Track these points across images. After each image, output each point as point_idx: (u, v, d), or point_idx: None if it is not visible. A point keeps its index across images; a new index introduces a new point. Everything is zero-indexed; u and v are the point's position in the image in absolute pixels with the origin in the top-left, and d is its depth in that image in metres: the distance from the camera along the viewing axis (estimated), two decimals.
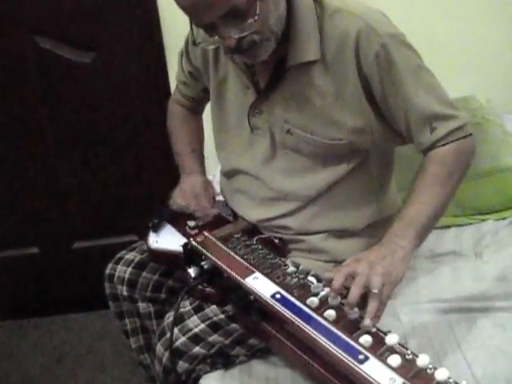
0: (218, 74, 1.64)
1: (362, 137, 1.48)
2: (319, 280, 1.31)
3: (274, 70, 1.50)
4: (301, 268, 1.37)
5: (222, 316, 1.52)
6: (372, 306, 1.21)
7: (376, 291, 1.22)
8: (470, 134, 1.46)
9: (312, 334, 1.18)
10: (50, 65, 2.44)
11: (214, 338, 1.51)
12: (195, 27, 1.42)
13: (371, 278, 1.23)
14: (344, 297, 1.23)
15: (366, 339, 1.15)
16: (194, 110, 1.91)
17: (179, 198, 1.73)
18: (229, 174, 1.73)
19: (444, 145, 1.43)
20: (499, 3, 2.34)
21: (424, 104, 1.42)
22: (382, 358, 1.10)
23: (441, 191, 1.42)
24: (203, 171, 1.85)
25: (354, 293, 1.21)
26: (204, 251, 1.47)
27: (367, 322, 1.18)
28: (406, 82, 1.41)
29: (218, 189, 1.84)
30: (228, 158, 1.71)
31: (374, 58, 1.39)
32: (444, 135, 1.43)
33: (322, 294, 1.27)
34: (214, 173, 2.13)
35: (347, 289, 1.24)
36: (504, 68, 2.43)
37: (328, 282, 1.27)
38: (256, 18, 1.31)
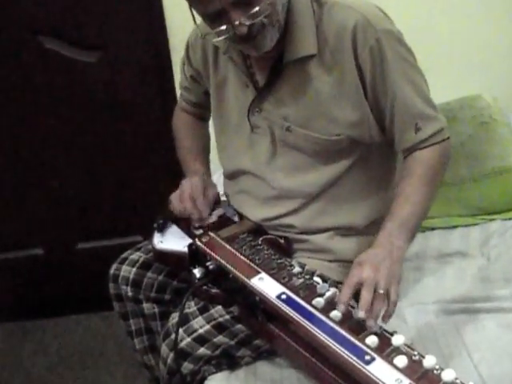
0: (217, 75, 1.64)
1: (360, 131, 1.49)
2: (325, 280, 1.31)
3: (272, 68, 1.51)
4: (306, 268, 1.36)
5: (227, 317, 1.51)
6: (377, 305, 1.22)
7: (382, 291, 1.23)
8: (448, 138, 1.51)
9: (318, 335, 1.17)
10: (55, 65, 2.44)
11: (219, 338, 1.51)
12: (200, 22, 1.43)
13: (378, 281, 1.24)
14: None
15: (372, 340, 1.14)
16: (199, 116, 1.90)
17: (176, 201, 1.68)
18: (231, 175, 1.72)
19: (427, 146, 1.47)
20: (506, 2, 2.33)
21: (410, 102, 1.45)
22: (389, 359, 1.10)
23: (428, 192, 1.45)
24: (208, 173, 1.83)
25: (366, 299, 1.21)
26: (209, 252, 1.46)
27: (371, 322, 1.18)
28: (396, 79, 1.43)
29: (221, 191, 1.82)
30: (230, 159, 1.70)
31: (369, 51, 1.41)
32: (428, 137, 1.46)
33: (328, 294, 1.27)
34: (216, 175, 2.12)
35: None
36: (511, 67, 2.41)
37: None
38: (267, 2, 1.33)
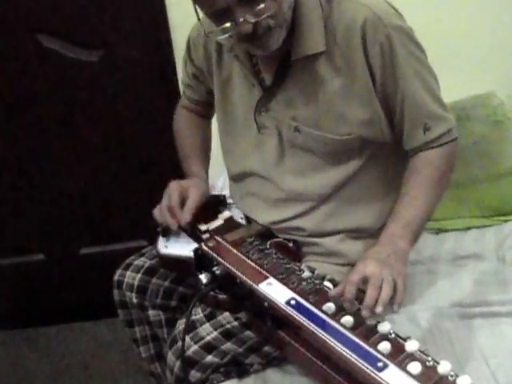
0: (221, 74, 1.63)
1: (371, 129, 1.48)
2: (336, 285, 1.30)
3: (279, 66, 1.49)
4: (316, 273, 1.36)
5: (235, 323, 1.49)
6: (385, 291, 1.22)
7: (390, 278, 1.25)
8: (456, 138, 1.50)
9: (329, 342, 1.16)
10: (54, 64, 2.43)
11: (227, 346, 1.49)
12: (203, 19, 1.42)
13: (384, 276, 1.25)
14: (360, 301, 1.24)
15: (384, 346, 1.13)
16: (202, 114, 1.89)
17: (158, 215, 1.63)
18: (238, 178, 1.70)
19: (435, 147, 1.47)
20: None
21: (420, 101, 1.44)
22: (402, 366, 1.09)
23: (433, 194, 1.47)
24: (203, 175, 1.78)
25: (372, 295, 1.22)
26: (216, 256, 1.45)
27: (379, 308, 1.19)
28: (406, 76, 1.42)
29: (227, 194, 1.81)
30: (236, 161, 1.69)
31: (379, 48, 1.39)
32: (436, 137, 1.46)
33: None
34: (222, 178, 2.10)
35: (362, 291, 1.25)
36: None
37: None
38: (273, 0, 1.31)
